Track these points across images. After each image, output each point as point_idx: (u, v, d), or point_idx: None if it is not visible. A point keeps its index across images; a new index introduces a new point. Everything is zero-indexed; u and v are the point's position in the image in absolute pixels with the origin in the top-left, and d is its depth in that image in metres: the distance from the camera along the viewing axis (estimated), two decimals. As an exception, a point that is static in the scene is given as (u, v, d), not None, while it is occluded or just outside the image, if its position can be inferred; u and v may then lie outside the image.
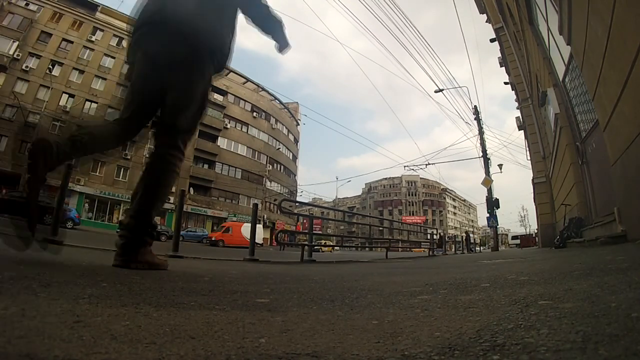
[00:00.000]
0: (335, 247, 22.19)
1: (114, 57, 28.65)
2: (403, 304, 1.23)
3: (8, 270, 1.30)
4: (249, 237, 5.08)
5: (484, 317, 0.94)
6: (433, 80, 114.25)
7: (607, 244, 3.88)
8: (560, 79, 6.64)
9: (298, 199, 39.29)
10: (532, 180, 13.91)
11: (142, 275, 1.72)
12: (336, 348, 0.70)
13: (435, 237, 12.39)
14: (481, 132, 18.56)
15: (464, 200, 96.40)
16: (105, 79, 28.01)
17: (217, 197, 33.42)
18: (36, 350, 0.55)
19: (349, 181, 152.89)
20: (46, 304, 0.90)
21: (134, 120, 1.87)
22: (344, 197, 78.54)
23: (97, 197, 26.27)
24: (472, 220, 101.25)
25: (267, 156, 39.09)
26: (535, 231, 19.92)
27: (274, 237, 30.90)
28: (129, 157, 27.73)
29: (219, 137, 33.67)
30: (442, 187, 79.96)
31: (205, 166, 32.59)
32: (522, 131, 15.89)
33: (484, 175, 18.01)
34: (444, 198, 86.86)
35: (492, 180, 17.95)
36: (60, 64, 26.03)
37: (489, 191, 17.77)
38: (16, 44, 24.21)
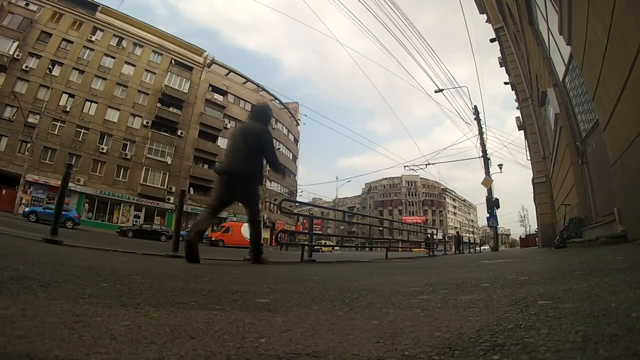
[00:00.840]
0: (335, 247, 22.19)
1: (113, 57, 28.63)
2: (403, 304, 1.23)
3: (8, 270, 1.30)
4: (249, 237, 5.08)
5: (484, 317, 0.94)
6: (433, 81, 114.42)
7: (607, 244, 3.88)
8: (560, 79, 6.64)
9: (298, 199, 39.27)
10: (532, 180, 13.89)
11: (142, 275, 1.72)
12: (336, 348, 0.70)
13: (435, 237, 12.39)
14: (481, 132, 18.55)
15: (464, 200, 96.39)
16: (105, 79, 27.99)
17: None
18: (36, 350, 0.55)
19: (349, 181, 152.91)
20: (46, 304, 0.90)
21: (217, 210, 3.84)
22: (344, 197, 78.53)
23: (97, 197, 26.24)
24: (472, 220, 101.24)
25: (267, 156, 38.87)
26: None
27: (273, 237, 30.90)
28: (128, 157, 27.74)
29: (219, 137, 33.61)
30: (442, 187, 79.93)
31: (205, 166, 32.55)
32: (522, 131, 15.88)
33: (484, 175, 18.01)
34: (444, 198, 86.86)
35: (492, 180, 17.95)
36: (60, 64, 26.01)
37: (489, 191, 17.77)
38: (16, 44, 24.19)
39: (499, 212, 18.44)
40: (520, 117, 14.82)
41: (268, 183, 37.13)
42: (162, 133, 29.53)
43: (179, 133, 30.38)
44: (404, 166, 28.03)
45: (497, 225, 18.46)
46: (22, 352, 0.54)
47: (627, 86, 3.21)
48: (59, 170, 21.89)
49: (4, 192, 22.86)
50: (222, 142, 34.03)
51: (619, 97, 3.45)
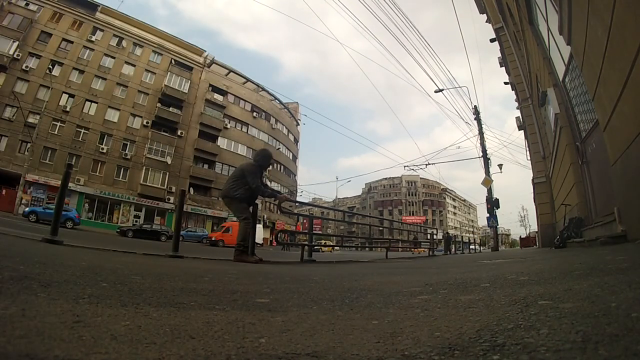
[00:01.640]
0: (335, 247, 22.19)
1: (113, 57, 28.63)
2: (403, 304, 1.23)
3: (8, 270, 1.30)
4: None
5: (484, 317, 0.94)
6: (433, 81, 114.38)
7: (607, 244, 3.88)
8: (560, 79, 6.64)
9: (298, 199, 39.24)
10: (532, 180, 13.89)
11: (142, 275, 1.72)
12: (336, 348, 0.70)
13: (435, 237, 12.38)
14: (481, 132, 18.56)
15: (464, 200, 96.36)
16: (105, 79, 27.98)
17: (217, 197, 33.35)
18: (36, 350, 0.55)
19: (349, 181, 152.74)
20: (46, 304, 0.90)
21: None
22: (344, 197, 78.46)
23: (97, 197, 26.24)
24: (472, 220, 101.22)
25: (267, 156, 38.91)
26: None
27: (273, 237, 30.88)
28: (128, 158, 27.74)
29: (219, 137, 33.62)
30: (442, 187, 79.89)
31: (205, 166, 32.54)
32: (522, 131, 15.88)
33: (484, 175, 18.01)
34: (444, 198, 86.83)
35: (492, 180, 17.95)
36: (60, 64, 26.00)
37: (489, 191, 17.77)
38: (16, 44, 24.18)
39: (498, 212, 18.46)
40: (520, 117, 14.82)
41: (268, 183, 37.05)
42: (162, 133, 29.52)
43: (179, 133, 30.37)
44: (404, 166, 28.02)
45: (497, 225, 18.46)
46: (22, 352, 0.54)
47: (627, 86, 3.21)
48: (59, 170, 21.90)
49: (4, 192, 22.86)
50: (222, 142, 34.09)
51: (619, 97, 3.45)
